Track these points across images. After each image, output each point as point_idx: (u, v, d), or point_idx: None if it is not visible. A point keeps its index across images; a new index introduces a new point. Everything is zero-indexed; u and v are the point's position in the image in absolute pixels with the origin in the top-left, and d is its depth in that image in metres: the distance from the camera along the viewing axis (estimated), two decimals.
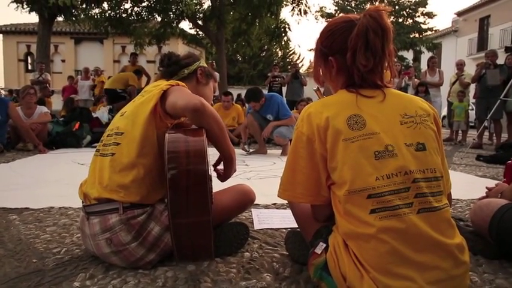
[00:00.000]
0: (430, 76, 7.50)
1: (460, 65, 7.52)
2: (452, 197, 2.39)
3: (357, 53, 1.01)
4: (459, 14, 22.73)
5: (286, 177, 1.08)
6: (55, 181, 2.88)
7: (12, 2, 11.97)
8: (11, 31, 20.23)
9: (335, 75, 1.11)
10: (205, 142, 1.17)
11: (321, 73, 1.17)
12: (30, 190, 2.56)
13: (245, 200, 1.54)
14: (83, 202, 1.32)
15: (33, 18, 12.11)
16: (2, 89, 14.24)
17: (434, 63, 7.61)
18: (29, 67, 20.61)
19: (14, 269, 1.28)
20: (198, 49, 17.71)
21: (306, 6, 11.39)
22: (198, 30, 11.88)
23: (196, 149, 1.15)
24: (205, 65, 1.60)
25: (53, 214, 1.97)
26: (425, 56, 17.64)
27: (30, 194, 2.41)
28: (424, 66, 16.83)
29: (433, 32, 18.67)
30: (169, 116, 1.30)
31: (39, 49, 12.35)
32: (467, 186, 3.00)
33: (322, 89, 1.31)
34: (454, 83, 7.62)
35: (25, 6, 11.94)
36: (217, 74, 10.17)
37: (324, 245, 1.03)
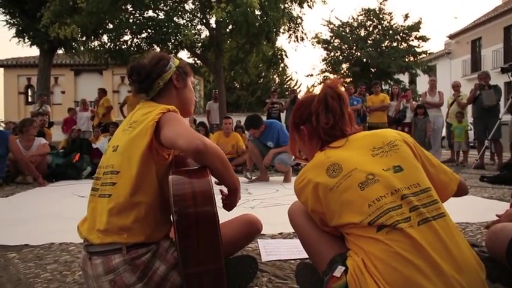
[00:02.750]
0: (430, 97, 7.57)
1: (457, 87, 7.61)
2: (461, 221, 2.37)
3: (320, 115, 1.21)
4: (451, 36, 23.29)
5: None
6: (55, 215, 2.82)
7: (14, 37, 12.25)
8: (12, 65, 20.55)
9: (308, 141, 1.29)
10: (211, 182, 1.12)
11: (299, 145, 1.36)
12: (30, 225, 2.50)
13: (252, 230, 1.49)
14: (84, 241, 1.27)
15: (34, 51, 12.44)
16: (2, 121, 14.29)
17: (434, 84, 7.69)
18: (29, 99, 20.79)
19: None
20: (197, 77, 17.96)
21: (303, 33, 11.66)
22: (196, 59, 12.06)
23: (203, 189, 1.09)
24: (177, 63, 1.45)
25: (53, 251, 1.91)
26: (421, 78, 17.91)
27: (30, 230, 2.35)
28: (420, 88, 17.06)
29: (427, 54, 19.01)
30: (165, 147, 1.24)
31: (40, 81, 12.55)
32: (475, 208, 2.95)
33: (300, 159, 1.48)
34: (451, 104, 7.68)
35: (26, 40, 12.23)
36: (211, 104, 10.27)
37: (343, 268, 1.02)
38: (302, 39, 11.71)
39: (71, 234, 2.05)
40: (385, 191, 1.00)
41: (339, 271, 1.03)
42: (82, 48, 11.75)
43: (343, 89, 1.25)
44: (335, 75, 13.70)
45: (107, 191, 1.23)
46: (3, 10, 12.14)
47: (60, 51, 13.69)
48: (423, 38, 17.97)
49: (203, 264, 1.05)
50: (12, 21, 12.26)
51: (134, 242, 1.17)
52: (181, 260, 1.04)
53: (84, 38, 10.37)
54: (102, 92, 9.27)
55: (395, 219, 0.95)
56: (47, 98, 10.45)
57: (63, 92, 21.15)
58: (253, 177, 4.93)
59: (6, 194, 3.94)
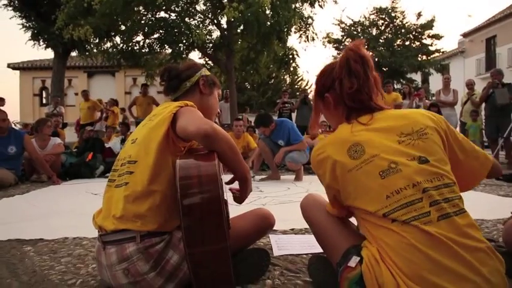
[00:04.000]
0: (444, 95, 7.46)
1: (471, 85, 7.49)
2: (477, 218, 2.32)
3: (343, 80, 1.14)
4: (465, 35, 22.89)
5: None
6: (69, 211, 2.86)
7: (29, 39, 12.51)
8: (27, 67, 20.94)
9: (334, 110, 1.22)
10: (218, 166, 1.14)
11: (324, 115, 1.31)
12: (45, 221, 2.53)
13: (265, 224, 1.49)
14: (98, 231, 1.29)
15: (49, 54, 12.72)
16: (17, 122, 14.58)
17: (448, 82, 7.57)
18: (44, 101, 21.15)
19: None
20: None
21: (313, 32, 11.61)
22: (207, 59, 12.12)
23: (209, 173, 1.11)
24: (207, 73, 1.55)
25: (67, 245, 1.93)
26: (434, 77, 17.68)
27: (45, 225, 2.39)
28: (433, 87, 16.83)
29: (441, 53, 18.75)
30: (181, 139, 1.27)
31: (54, 83, 12.79)
32: (490, 206, 2.90)
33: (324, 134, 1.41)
34: (465, 103, 7.57)
35: (41, 43, 12.47)
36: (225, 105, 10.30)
37: (358, 258, 1.01)
38: (313, 39, 11.66)
39: (84, 230, 2.07)
40: (407, 182, 0.96)
41: (354, 261, 1.03)
42: (95, 50, 11.91)
43: (367, 51, 1.16)
44: None
45: (123, 180, 1.25)
46: (20, 14, 12.41)
47: (73, 54, 13.94)
48: (436, 36, 17.76)
49: (207, 244, 1.07)
50: (28, 25, 12.53)
51: (148, 230, 1.18)
52: (185, 240, 1.06)
53: (97, 40, 10.52)
54: (114, 102, 9.64)
55: (412, 215, 0.92)
56: (61, 99, 10.63)
57: (76, 94, 21.45)
58: (264, 176, 4.92)
59: (22, 191, 4.01)
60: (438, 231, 0.90)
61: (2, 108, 7.47)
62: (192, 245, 1.07)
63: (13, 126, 5.92)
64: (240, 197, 1.34)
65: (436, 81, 15.60)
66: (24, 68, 20.97)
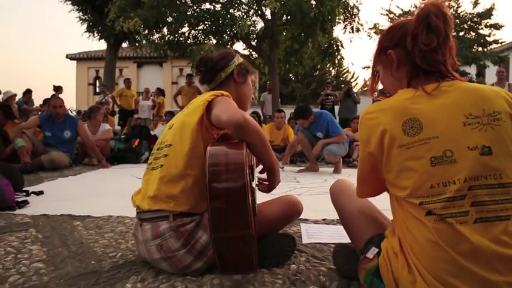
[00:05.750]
0: None
1: None
2: None
3: (419, 35, 0.98)
4: None
5: (357, 177, 1.13)
6: (115, 192, 3.06)
7: (85, 31, 13.28)
8: (83, 58, 22.19)
9: (396, 70, 1.07)
10: (246, 155, 1.17)
11: (381, 78, 1.15)
12: (93, 200, 2.75)
13: (292, 211, 1.53)
14: (136, 209, 1.39)
15: (102, 45, 13.48)
16: (74, 110, 15.56)
17: (502, 76, 7.09)
18: (97, 90, 22.35)
19: (75, 269, 1.38)
20: None
21: (359, 23, 11.29)
22: (251, 50, 12.19)
23: (236, 161, 1.15)
24: (240, 60, 1.57)
25: (111, 222, 2.09)
26: (491, 70, 16.52)
27: (93, 204, 2.59)
28: (488, 81, 15.77)
29: (500, 44, 17.46)
30: (215, 127, 1.32)
31: (106, 73, 13.54)
32: None
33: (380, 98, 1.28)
34: None
35: (95, 34, 13.20)
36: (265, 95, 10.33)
37: (377, 250, 1.01)
38: (358, 30, 11.33)
39: (127, 209, 2.20)
40: (458, 176, 0.87)
41: (371, 253, 1.02)
42: (144, 41, 12.39)
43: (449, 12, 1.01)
44: None
45: (159, 163, 1.34)
46: (77, 8, 13.20)
47: (124, 45, 14.60)
48: (495, 26, 16.51)
49: (231, 230, 1.12)
50: (84, 18, 13.31)
51: (180, 210, 1.26)
52: (211, 225, 1.11)
53: (146, 31, 10.93)
54: (159, 92, 10.11)
55: (449, 212, 0.86)
56: (112, 88, 11.22)
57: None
58: (302, 168, 4.93)
59: (75, 173, 4.33)
60: (472, 233, 0.84)
61: (59, 96, 8.06)
62: (217, 229, 1.12)
63: (69, 112, 6.34)
64: (268, 187, 1.38)
65: (492, 75, 14.57)
66: (80, 58, 22.23)
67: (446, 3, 1.02)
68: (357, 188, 1.16)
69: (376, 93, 1.26)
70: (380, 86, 1.21)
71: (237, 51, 1.63)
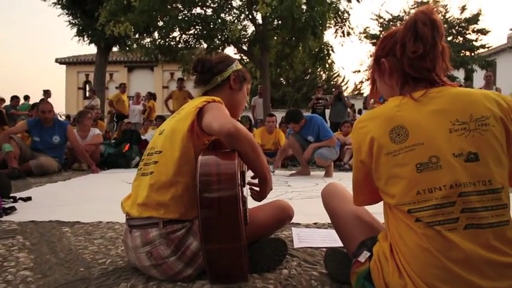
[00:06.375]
0: None
1: None
2: None
3: (406, 43, 1.00)
4: None
5: (353, 186, 1.15)
6: (105, 198, 3.03)
7: (75, 35, 13.18)
8: (73, 62, 21.99)
9: (388, 77, 1.10)
10: (237, 165, 1.16)
11: (378, 86, 1.18)
12: (83, 206, 2.71)
13: (283, 215, 1.53)
14: (126, 216, 1.38)
15: (92, 49, 13.35)
16: (63, 114, 15.40)
17: (490, 80, 7.21)
18: (87, 94, 22.16)
19: (63, 276, 1.35)
20: None
21: (350, 27, 11.40)
22: (242, 55, 12.22)
23: (228, 172, 1.13)
24: (239, 67, 1.56)
25: (101, 228, 2.07)
26: (478, 74, 16.79)
27: (82, 209, 2.55)
28: (476, 85, 16.02)
29: (487, 49, 17.77)
30: (205, 134, 1.31)
31: (97, 77, 13.43)
32: None
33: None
34: None
35: (85, 38, 13.11)
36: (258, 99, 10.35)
37: (368, 254, 1.01)
38: (349, 34, 11.44)
39: (117, 215, 2.17)
40: (443, 182, 0.88)
41: (363, 257, 1.03)
42: (135, 46, 12.34)
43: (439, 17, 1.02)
44: None
45: (149, 169, 1.32)
46: (67, 11, 13.11)
47: (115, 49, 14.52)
48: (482, 31, 16.83)
49: (223, 242, 1.10)
50: (74, 22, 13.21)
51: (170, 218, 1.25)
52: (202, 237, 1.09)
53: (136, 35, 10.90)
54: (150, 96, 10.13)
55: (436, 219, 0.86)
56: (102, 93, 11.15)
57: (117, 88, 22.31)
58: (294, 171, 4.94)
59: (64, 178, 4.28)
60: (461, 240, 0.84)
61: (48, 100, 7.97)
62: (209, 241, 1.10)
63: (58, 117, 6.26)
64: (259, 195, 1.38)
65: (480, 79, 14.81)
66: (69, 62, 22.03)
67: (435, 9, 1.03)
68: (353, 197, 1.17)
69: (372, 101, 1.28)
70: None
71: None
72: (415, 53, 0.99)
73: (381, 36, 1.15)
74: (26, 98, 10.59)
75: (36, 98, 20.01)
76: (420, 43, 0.98)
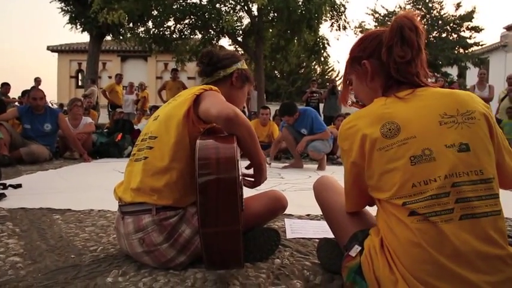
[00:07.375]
0: (479, 90, 7.15)
1: (511, 80, 7.14)
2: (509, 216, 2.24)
3: (393, 47, 1.00)
4: (509, 28, 21.68)
5: (345, 191, 1.14)
6: (97, 186, 3.01)
7: (67, 23, 12.96)
8: (65, 50, 21.67)
9: (370, 81, 1.09)
10: (236, 149, 1.15)
11: (354, 87, 1.17)
12: (74, 194, 2.69)
13: (277, 206, 1.53)
14: (119, 202, 1.36)
15: (85, 37, 13.11)
16: (55, 103, 15.22)
17: (483, 77, 7.26)
18: (79, 83, 21.89)
19: (53, 263, 1.34)
20: None
21: (345, 21, 11.36)
22: (237, 46, 12.14)
23: (227, 156, 1.12)
24: (244, 67, 1.57)
25: (92, 216, 2.05)
26: (471, 71, 16.90)
27: (74, 197, 2.53)
28: (469, 82, 16.13)
29: (480, 47, 17.86)
30: (202, 121, 1.30)
31: (89, 66, 13.24)
32: None
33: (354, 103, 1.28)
34: (503, 99, 7.24)
35: (78, 26, 12.90)
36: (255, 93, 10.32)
37: (359, 248, 1.01)
38: (344, 28, 11.41)
39: (109, 203, 2.17)
40: (438, 173, 0.88)
41: (354, 251, 1.02)
42: (128, 35, 12.18)
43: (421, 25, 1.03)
44: None
45: (143, 155, 1.31)
46: None
47: (108, 38, 14.31)
48: (476, 29, 16.90)
49: (221, 225, 1.09)
50: (66, 8, 12.97)
51: (163, 204, 1.24)
52: (200, 219, 1.09)
53: (130, 24, 10.75)
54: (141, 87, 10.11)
55: (433, 210, 0.86)
56: (95, 82, 11.01)
57: (110, 77, 22.04)
58: (287, 164, 4.94)
59: (55, 166, 4.23)
60: (457, 231, 0.84)
61: (38, 87, 7.85)
62: (206, 224, 1.09)
63: (50, 105, 6.17)
64: (254, 183, 1.38)
65: (473, 76, 14.89)
66: (62, 50, 21.70)
67: (418, 17, 1.03)
68: (345, 203, 1.16)
69: (350, 102, 1.28)
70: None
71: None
72: (403, 58, 1.00)
73: (358, 36, 1.14)
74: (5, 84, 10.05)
75: (26, 86, 19.76)
76: (408, 48, 1.00)
